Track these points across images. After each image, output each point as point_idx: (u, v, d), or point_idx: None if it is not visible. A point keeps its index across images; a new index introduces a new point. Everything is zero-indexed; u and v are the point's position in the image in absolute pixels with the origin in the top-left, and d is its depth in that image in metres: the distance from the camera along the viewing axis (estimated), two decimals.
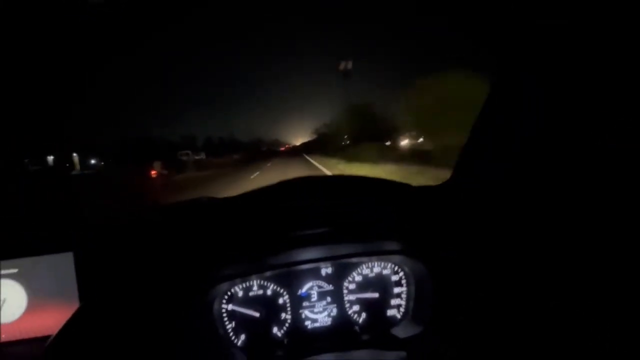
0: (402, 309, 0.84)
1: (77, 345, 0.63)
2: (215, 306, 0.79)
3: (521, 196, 0.84)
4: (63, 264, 0.81)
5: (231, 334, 0.80)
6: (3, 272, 0.81)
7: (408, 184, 0.91)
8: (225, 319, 0.80)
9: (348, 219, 0.81)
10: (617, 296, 0.64)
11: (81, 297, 0.81)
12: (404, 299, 0.84)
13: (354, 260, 0.83)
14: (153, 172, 13.85)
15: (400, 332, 0.80)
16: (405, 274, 0.83)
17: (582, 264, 0.70)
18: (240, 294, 0.81)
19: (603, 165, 0.73)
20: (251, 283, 0.81)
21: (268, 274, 0.81)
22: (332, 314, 0.83)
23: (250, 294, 0.82)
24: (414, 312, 0.82)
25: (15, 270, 0.81)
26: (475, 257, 0.77)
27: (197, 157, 30.43)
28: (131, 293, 0.72)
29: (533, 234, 0.78)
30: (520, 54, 0.78)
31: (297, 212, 0.80)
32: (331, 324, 0.83)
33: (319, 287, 0.83)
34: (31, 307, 0.81)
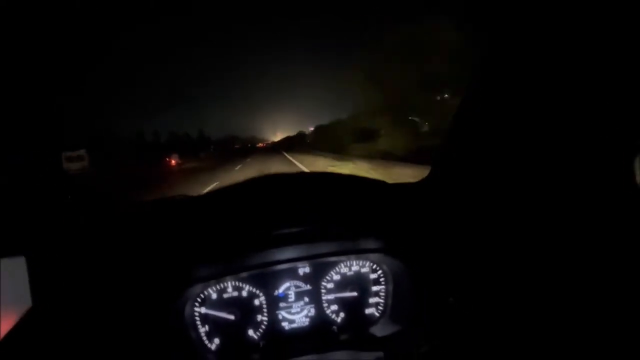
0: (380, 308, 0.83)
1: (25, 349, 0.57)
2: (187, 310, 0.75)
3: (499, 193, 0.85)
4: (15, 268, 0.74)
5: (204, 338, 0.76)
6: None
7: (384, 181, 0.90)
8: (198, 322, 0.76)
9: (325, 217, 0.79)
10: (598, 295, 0.66)
11: (34, 302, 0.74)
12: (383, 297, 0.83)
13: (332, 259, 0.82)
14: None
15: (378, 330, 0.80)
16: (383, 272, 0.83)
17: (561, 258, 0.72)
18: (214, 296, 0.78)
19: (580, 163, 0.75)
20: (225, 285, 0.78)
21: (243, 274, 0.78)
22: (309, 315, 0.81)
23: (225, 296, 0.78)
24: (392, 310, 0.82)
25: None
26: (453, 254, 0.78)
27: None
28: (89, 296, 0.67)
29: (511, 230, 0.79)
30: (500, 49, 0.78)
31: (272, 210, 0.77)
32: (309, 325, 0.81)
33: (297, 287, 0.81)
34: None
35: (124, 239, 0.76)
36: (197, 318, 0.76)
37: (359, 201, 0.83)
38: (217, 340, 0.77)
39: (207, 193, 0.81)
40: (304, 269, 0.81)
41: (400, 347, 0.74)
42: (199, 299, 0.76)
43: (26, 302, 0.74)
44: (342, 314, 0.82)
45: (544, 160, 0.82)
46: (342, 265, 0.83)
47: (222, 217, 0.78)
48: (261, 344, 0.77)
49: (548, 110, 0.76)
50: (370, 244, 0.80)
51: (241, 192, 0.82)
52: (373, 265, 0.84)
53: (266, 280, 0.80)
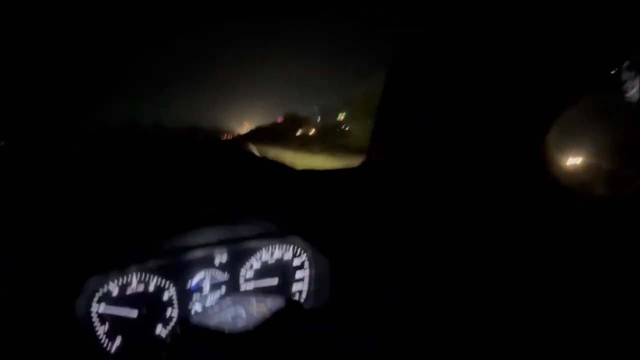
0: (303, 294, 0.79)
1: None
2: (81, 307, 0.66)
3: (429, 179, 0.84)
4: None
5: (103, 338, 0.68)
6: None
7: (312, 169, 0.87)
8: (95, 321, 0.68)
9: (244, 197, 0.73)
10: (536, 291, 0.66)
11: None
12: (307, 283, 0.79)
13: (252, 244, 0.76)
14: None
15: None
16: (307, 257, 0.79)
17: (481, 247, 0.72)
18: (116, 291, 0.69)
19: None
20: (129, 277, 0.70)
21: (151, 264, 0.71)
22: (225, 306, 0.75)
23: (129, 291, 0.70)
24: (315, 295, 0.78)
25: None
26: (380, 237, 0.76)
27: None
28: None
29: (436, 218, 0.78)
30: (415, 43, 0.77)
31: (183, 188, 0.70)
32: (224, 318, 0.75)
33: (212, 277, 0.75)
34: None
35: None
36: (95, 317, 0.68)
37: (277, 183, 0.78)
38: (118, 340, 0.69)
39: (105, 158, 0.70)
40: (220, 257, 0.75)
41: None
42: (97, 295, 0.68)
43: None
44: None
45: (455, 150, 0.81)
46: (263, 250, 0.77)
47: (123, 192, 0.69)
48: (168, 340, 0.71)
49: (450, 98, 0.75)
50: (290, 226, 0.75)
51: (149, 166, 0.74)
52: (297, 249, 0.79)
53: (177, 270, 0.73)
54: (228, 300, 0.75)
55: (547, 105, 0.73)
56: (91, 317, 0.67)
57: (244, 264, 0.77)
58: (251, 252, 0.77)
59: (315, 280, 0.78)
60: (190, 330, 0.73)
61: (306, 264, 0.79)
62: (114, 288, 0.69)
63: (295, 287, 0.79)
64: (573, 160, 0.86)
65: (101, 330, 0.68)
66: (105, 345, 0.68)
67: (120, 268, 0.69)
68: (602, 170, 0.82)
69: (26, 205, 0.69)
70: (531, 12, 0.67)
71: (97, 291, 0.68)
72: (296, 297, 0.80)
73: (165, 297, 0.72)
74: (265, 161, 0.83)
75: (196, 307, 0.74)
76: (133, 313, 0.70)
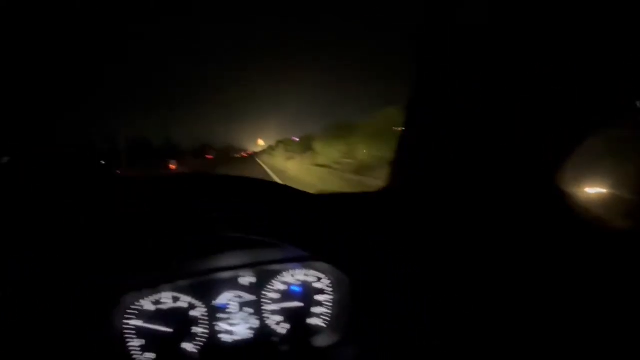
0: (326, 317, 0.82)
1: None
2: (118, 321, 0.71)
3: (451, 204, 0.87)
4: None
5: (137, 352, 0.72)
6: None
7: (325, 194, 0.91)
8: (130, 336, 0.72)
9: (268, 223, 0.77)
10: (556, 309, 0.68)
11: None
12: (329, 307, 0.82)
13: (276, 267, 0.80)
14: None
15: (319, 341, 0.78)
16: (330, 282, 0.82)
17: (516, 268, 0.73)
18: (149, 307, 0.74)
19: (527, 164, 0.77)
20: (161, 295, 0.75)
21: (181, 283, 0.75)
22: (251, 326, 0.79)
23: (161, 307, 0.75)
24: (337, 320, 0.80)
25: None
26: (400, 264, 0.78)
27: None
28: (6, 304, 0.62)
29: (461, 243, 0.80)
30: (438, 54, 0.81)
31: (211, 214, 0.75)
32: (251, 337, 0.78)
33: (238, 297, 0.78)
34: None
35: (50, 240, 0.72)
36: (129, 331, 0.72)
37: (300, 208, 0.82)
38: (150, 355, 0.73)
39: (136, 188, 0.75)
40: (246, 278, 0.79)
41: (340, 357, 0.72)
42: (132, 310, 0.73)
43: None
44: (285, 325, 0.80)
45: (486, 169, 0.84)
46: (286, 274, 0.81)
47: (154, 218, 0.74)
48: (199, 357, 0.74)
49: (483, 118, 0.78)
50: (313, 251, 0.79)
51: (178, 193, 0.79)
52: (319, 273, 0.82)
53: (206, 289, 0.77)
54: (253, 319, 0.79)
55: (568, 133, 0.76)
56: (127, 331, 0.72)
57: (268, 285, 0.80)
58: (275, 275, 0.80)
59: (337, 305, 0.80)
60: (218, 348, 0.76)
61: (328, 288, 0.82)
62: (147, 304, 0.74)
63: (318, 310, 0.82)
64: (590, 189, 0.87)
65: (135, 344, 0.72)
66: (138, 358, 0.72)
67: (153, 286, 0.74)
68: (620, 200, 0.83)
69: (67, 225, 0.74)
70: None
71: (132, 307, 0.73)
72: (318, 321, 0.82)
73: (195, 314, 0.76)
74: (286, 188, 0.88)
75: (223, 325, 0.77)
76: (164, 329, 0.74)
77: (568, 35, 0.70)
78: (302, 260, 0.80)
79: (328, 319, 0.82)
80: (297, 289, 0.81)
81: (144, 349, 0.73)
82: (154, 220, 0.72)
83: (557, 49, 0.71)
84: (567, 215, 0.78)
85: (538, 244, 0.75)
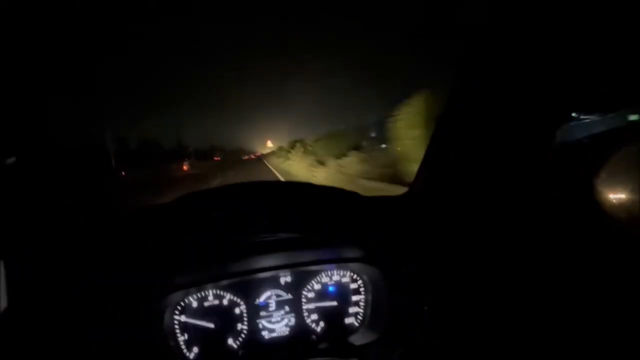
0: (359, 317, 0.84)
1: None
2: (167, 317, 0.75)
3: (478, 206, 0.89)
4: None
5: (183, 346, 0.76)
6: None
7: (357, 193, 0.93)
8: (177, 331, 0.76)
9: (306, 225, 0.81)
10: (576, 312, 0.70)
11: (10, 304, 0.73)
12: (362, 307, 0.85)
13: (313, 268, 0.83)
14: None
15: (356, 339, 0.80)
16: (363, 282, 0.85)
17: (541, 270, 0.75)
18: (195, 304, 0.78)
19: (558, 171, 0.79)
20: (206, 293, 0.78)
21: (224, 282, 0.79)
22: (289, 324, 0.82)
23: (205, 304, 0.78)
24: (370, 319, 0.83)
25: None
26: (430, 264, 0.80)
27: None
28: (66, 300, 0.67)
29: (489, 244, 0.82)
30: (474, 61, 0.83)
31: (253, 217, 0.79)
32: (288, 334, 0.81)
33: (278, 296, 0.82)
34: None
35: (104, 245, 0.76)
36: (177, 326, 0.76)
37: (339, 211, 0.85)
38: (195, 349, 0.77)
39: (186, 198, 0.81)
40: (285, 278, 0.82)
41: (375, 355, 0.75)
42: (179, 307, 0.76)
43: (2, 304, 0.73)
44: (321, 323, 0.83)
45: (516, 176, 0.86)
46: (323, 274, 0.84)
47: (201, 223, 0.78)
48: (240, 352, 0.77)
49: (519, 123, 0.80)
50: (350, 253, 0.81)
51: (222, 198, 0.83)
52: (353, 274, 0.85)
53: (247, 288, 0.80)
54: (291, 317, 0.82)
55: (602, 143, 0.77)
56: (174, 326, 0.75)
57: (306, 285, 0.83)
58: (312, 275, 0.84)
59: (371, 305, 0.83)
60: (259, 344, 0.80)
61: (362, 289, 0.85)
62: (193, 301, 0.78)
63: (352, 309, 0.85)
64: (617, 195, 0.88)
65: (182, 338, 0.76)
66: (185, 352, 0.75)
67: (198, 284, 0.77)
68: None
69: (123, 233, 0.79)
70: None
71: (179, 304, 0.76)
72: (353, 320, 0.85)
73: (237, 311, 0.79)
74: (321, 189, 0.91)
75: (263, 322, 0.80)
76: (209, 325, 0.77)
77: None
78: (338, 261, 0.83)
79: (362, 318, 0.84)
80: (333, 288, 0.84)
81: (189, 343, 0.76)
82: (204, 226, 0.77)
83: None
84: (597, 224, 0.80)
85: (568, 248, 0.77)
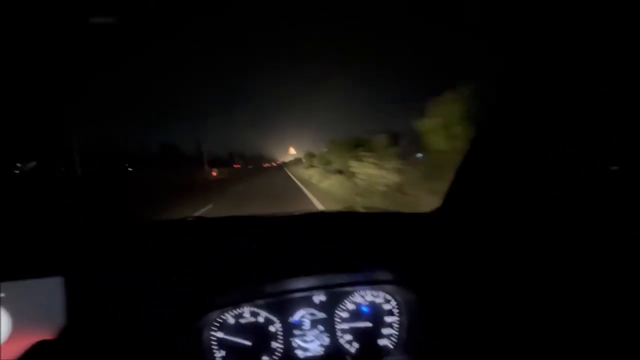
0: (394, 339, 0.83)
1: None
2: (205, 334, 0.78)
3: (511, 225, 0.86)
4: (51, 289, 0.79)
5: None
6: None
7: (398, 212, 0.93)
8: (215, 347, 0.79)
9: (340, 248, 0.82)
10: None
11: (68, 323, 0.79)
12: (396, 329, 0.84)
13: (347, 288, 0.83)
14: None
15: None
16: (397, 303, 0.84)
17: (572, 290, 0.72)
18: (232, 321, 0.80)
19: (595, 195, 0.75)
20: (243, 311, 0.81)
21: (260, 301, 0.81)
22: (323, 343, 0.82)
23: (242, 321, 0.81)
24: (405, 341, 0.82)
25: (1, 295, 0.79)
26: (465, 285, 0.78)
27: None
28: (118, 316, 0.72)
29: (523, 263, 0.79)
30: (512, 82, 0.81)
31: (289, 240, 0.81)
32: (323, 353, 0.82)
33: (312, 315, 0.83)
34: (15, 334, 0.79)
35: (152, 263, 0.81)
36: (214, 343, 0.79)
37: (372, 234, 0.85)
38: None
39: (229, 219, 0.85)
40: (319, 298, 0.83)
41: None
42: (216, 324, 0.79)
43: (60, 322, 0.79)
44: (355, 344, 0.83)
45: (549, 197, 0.82)
46: (356, 295, 0.84)
47: (241, 244, 0.82)
48: None
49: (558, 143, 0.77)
50: (383, 275, 0.81)
51: (261, 223, 0.87)
52: (387, 295, 0.84)
53: (282, 306, 0.82)
54: (325, 336, 0.83)
55: None
56: (212, 342, 0.78)
57: (339, 304, 0.84)
58: (345, 295, 0.84)
59: (406, 327, 0.82)
60: None
61: (396, 310, 0.84)
62: (229, 318, 0.80)
63: (386, 331, 0.84)
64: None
65: (219, 355, 0.79)
66: None
67: (235, 303, 0.80)
68: None
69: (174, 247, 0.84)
70: None
71: (217, 320, 0.79)
72: (387, 342, 0.84)
73: (272, 329, 0.81)
74: (351, 215, 0.92)
75: (298, 341, 0.81)
76: (245, 342, 0.80)
77: None
78: (371, 284, 0.83)
79: (396, 340, 0.83)
80: (366, 309, 0.84)
81: (226, 359, 0.79)
82: (242, 248, 0.81)
83: None
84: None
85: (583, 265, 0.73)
